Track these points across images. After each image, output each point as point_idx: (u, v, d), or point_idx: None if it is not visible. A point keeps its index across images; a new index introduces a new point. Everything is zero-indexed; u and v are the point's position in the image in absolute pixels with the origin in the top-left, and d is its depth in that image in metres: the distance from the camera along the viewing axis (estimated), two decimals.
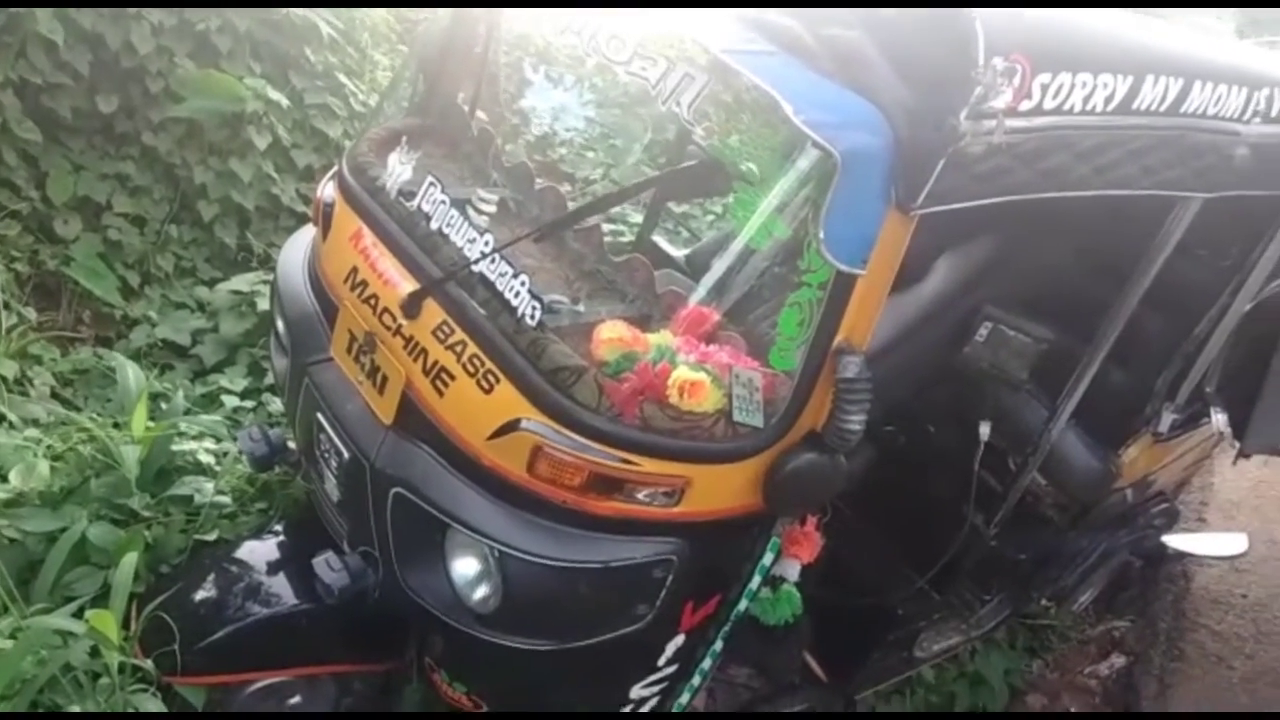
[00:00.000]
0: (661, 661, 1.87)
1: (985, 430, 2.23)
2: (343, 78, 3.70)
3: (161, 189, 3.26)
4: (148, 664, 1.87)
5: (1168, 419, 2.50)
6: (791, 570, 1.80)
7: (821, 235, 1.41)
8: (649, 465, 1.55)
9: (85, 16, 2.93)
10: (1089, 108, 1.50)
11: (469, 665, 1.87)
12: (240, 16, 3.26)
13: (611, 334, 1.60)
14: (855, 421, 1.54)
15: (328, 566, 1.80)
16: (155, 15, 3.06)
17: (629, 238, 3.24)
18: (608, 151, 4.78)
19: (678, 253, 2.84)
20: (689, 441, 1.56)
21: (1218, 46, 1.82)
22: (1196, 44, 1.75)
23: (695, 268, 2.46)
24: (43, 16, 2.82)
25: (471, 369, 1.62)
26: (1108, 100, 1.51)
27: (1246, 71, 1.78)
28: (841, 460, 1.62)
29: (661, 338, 1.62)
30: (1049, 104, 1.44)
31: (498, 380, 1.59)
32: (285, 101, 3.41)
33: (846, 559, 2.36)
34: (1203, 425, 2.63)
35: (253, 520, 2.28)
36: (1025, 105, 1.41)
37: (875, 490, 2.32)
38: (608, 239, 3.72)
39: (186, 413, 2.50)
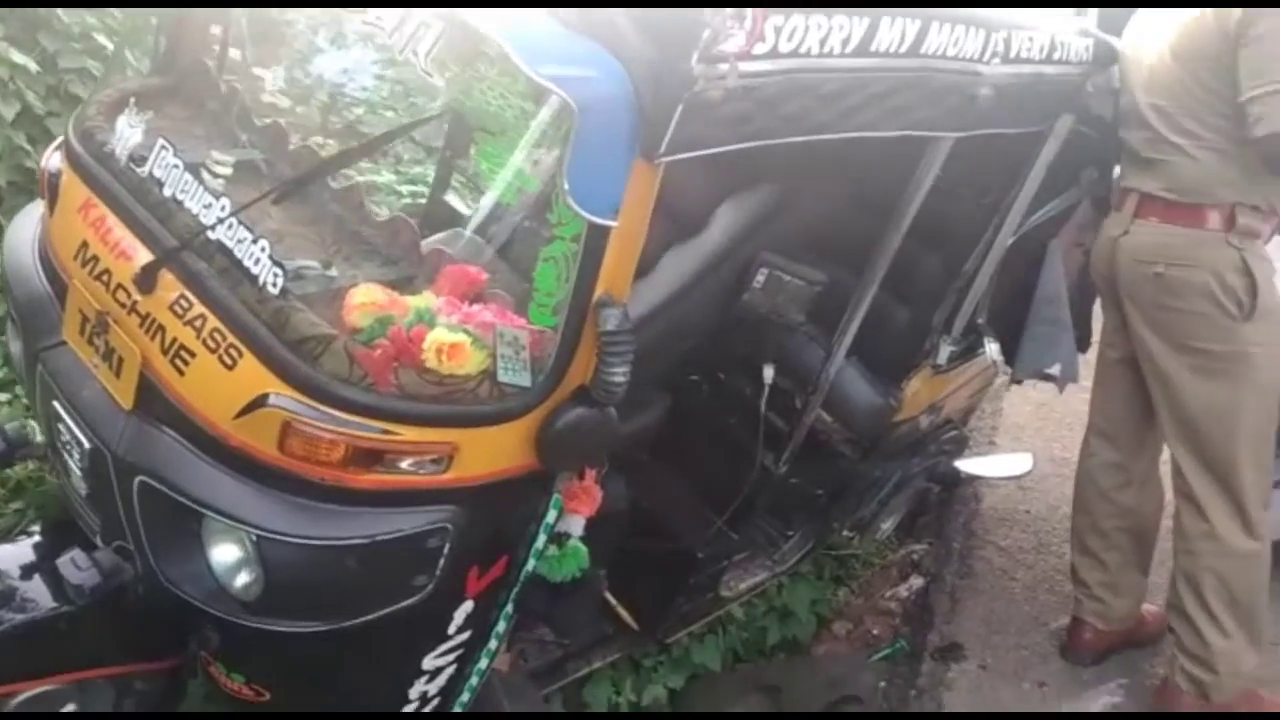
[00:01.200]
0: (452, 629, 1.83)
1: (769, 373, 2.29)
2: (102, 38, 3.40)
3: None
4: None
5: (945, 351, 2.63)
6: (575, 525, 1.79)
7: (566, 187, 1.38)
8: (410, 434, 1.49)
9: None
10: (827, 50, 1.52)
11: (244, 655, 1.78)
12: None
13: (364, 298, 1.53)
14: (619, 374, 1.53)
15: (74, 566, 1.67)
16: None
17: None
18: (408, 110, 4.62)
19: (471, 211, 2.76)
20: (452, 406, 1.52)
21: None
22: None
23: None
24: None
25: (213, 344, 1.52)
26: (845, 42, 1.54)
27: (982, 15, 1.85)
28: (612, 413, 1.61)
29: (421, 300, 1.57)
30: (784, 46, 1.44)
31: (241, 355, 1.49)
32: (35, 66, 3.11)
33: (647, 507, 2.38)
34: (979, 355, 2.78)
35: (5, 522, 2.10)
36: (760, 48, 1.41)
37: (674, 438, 2.35)
38: (406, 200, 3.61)
39: None
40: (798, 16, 1.44)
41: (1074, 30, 2.19)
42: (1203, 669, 2.35)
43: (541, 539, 1.79)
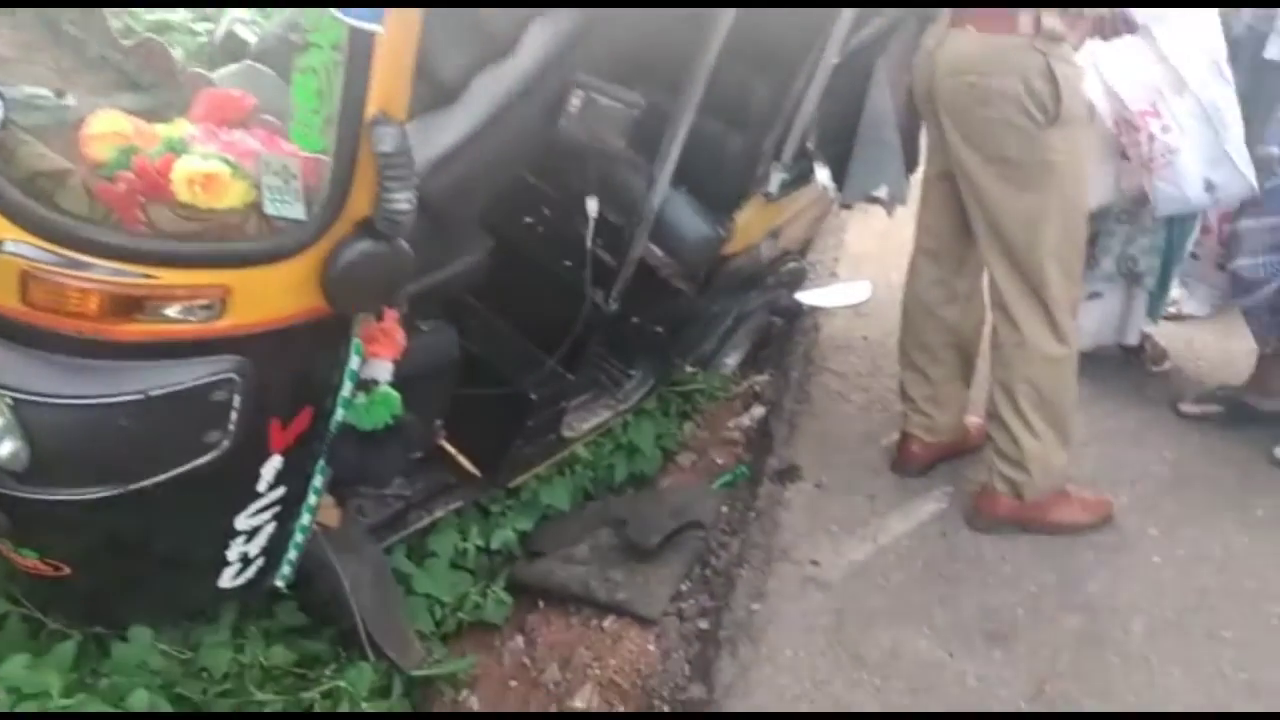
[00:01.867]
0: (263, 487, 1.75)
1: (593, 206, 2.20)
2: None
3: None
4: None
5: (776, 179, 2.59)
6: (382, 371, 1.71)
7: None
8: (169, 277, 1.36)
9: None
10: None
11: (30, 529, 1.65)
12: None
13: (104, 128, 1.36)
14: (402, 200, 1.42)
15: None
16: None
17: None
18: None
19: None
20: (216, 244, 1.38)
21: None
22: None
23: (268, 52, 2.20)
24: None
25: None
26: None
27: None
28: (402, 246, 1.50)
29: (172, 128, 1.41)
30: None
31: None
32: None
33: (479, 353, 2.31)
34: (811, 183, 2.76)
35: None
36: None
37: (504, 281, 2.27)
38: (201, 38, 3.28)
39: None
40: None
41: None
42: (1016, 470, 2.48)
43: (347, 387, 1.70)
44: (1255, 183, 2.57)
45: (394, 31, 1.33)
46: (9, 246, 1.30)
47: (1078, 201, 2.31)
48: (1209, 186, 2.59)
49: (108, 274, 1.32)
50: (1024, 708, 2.08)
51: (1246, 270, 2.75)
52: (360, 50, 1.32)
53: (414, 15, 1.36)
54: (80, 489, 1.50)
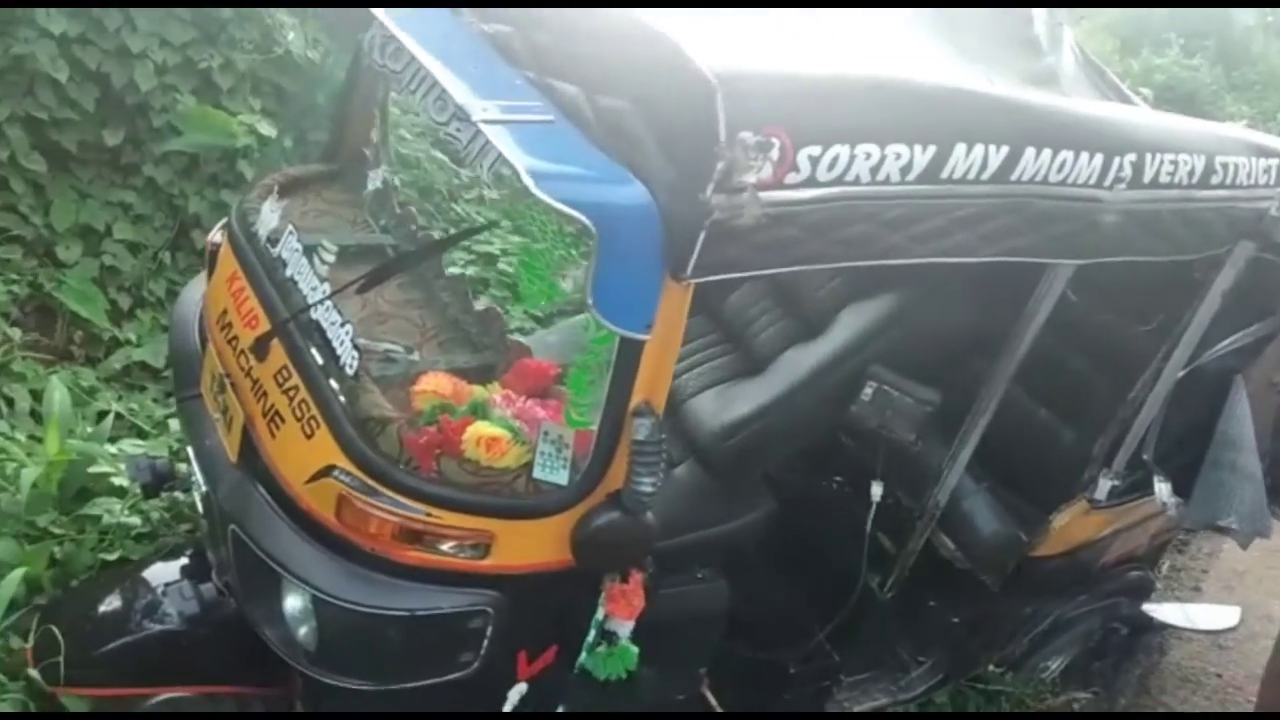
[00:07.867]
0: (508, 708, 1.89)
1: (877, 491, 2.19)
2: None
3: (162, 217, 3.44)
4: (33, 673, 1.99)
5: (1105, 486, 2.39)
6: (622, 627, 1.79)
7: (592, 303, 1.41)
8: (447, 519, 1.58)
9: (90, 56, 3.14)
10: (882, 178, 1.46)
11: (315, 698, 1.92)
12: (242, 55, 3.43)
13: (428, 385, 1.65)
14: (647, 484, 1.54)
15: (180, 595, 1.89)
16: (159, 55, 3.25)
17: None
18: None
19: None
20: (489, 497, 1.58)
21: (1064, 109, 1.75)
22: (1031, 109, 1.67)
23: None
24: (45, 56, 3.02)
25: (299, 413, 1.68)
26: (905, 170, 1.47)
27: (1101, 136, 1.70)
28: (647, 520, 1.61)
29: (481, 391, 1.66)
30: (824, 176, 1.40)
31: (318, 426, 1.65)
32: (276, 135, 3.53)
33: (747, 612, 2.34)
34: (1148, 495, 2.50)
35: (175, 540, 2.40)
36: (793, 178, 1.38)
37: (789, 544, 2.29)
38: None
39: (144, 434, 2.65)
40: (839, 147, 1.40)
41: (1251, 147, 1.97)
42: None
43: (591, 634, 1.81)
44: None
45: (659, 337, 1.49)
46: (338, 473, 1.60)
47: None
48: None
49: (397, 508, 1.56)
50: None
51: None
52: (629, 352, 1.48)
53: (677, 324, 1.51)
54: (350, 679, 1.72)
